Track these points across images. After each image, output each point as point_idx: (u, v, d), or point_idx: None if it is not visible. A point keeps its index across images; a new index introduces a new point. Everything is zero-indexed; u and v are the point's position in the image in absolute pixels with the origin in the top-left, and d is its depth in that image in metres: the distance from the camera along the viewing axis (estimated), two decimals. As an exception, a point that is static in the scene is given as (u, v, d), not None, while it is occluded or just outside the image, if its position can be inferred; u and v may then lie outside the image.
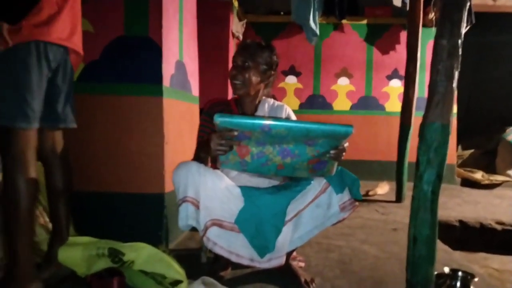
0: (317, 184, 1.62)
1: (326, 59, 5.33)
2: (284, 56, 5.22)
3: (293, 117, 1.81)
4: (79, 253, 1.36)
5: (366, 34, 5.23)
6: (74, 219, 1.92)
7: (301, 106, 5.37)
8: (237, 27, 4.57)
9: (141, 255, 1.38)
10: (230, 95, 4.17)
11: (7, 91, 1.17)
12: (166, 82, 2.08)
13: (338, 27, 5.23)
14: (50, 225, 1.63)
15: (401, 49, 4.74)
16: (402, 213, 3.19)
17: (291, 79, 5.38)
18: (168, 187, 2.06)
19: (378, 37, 5.21)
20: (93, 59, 2.06)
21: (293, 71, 5.36)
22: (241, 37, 4.78)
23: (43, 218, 1.66)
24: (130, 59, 2.05)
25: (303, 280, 1.67)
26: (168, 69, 2.12)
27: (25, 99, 1.22)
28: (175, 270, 1.41)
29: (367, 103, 5.30)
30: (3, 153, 1.24)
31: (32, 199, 1.31)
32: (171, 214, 2.08)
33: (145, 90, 2.04)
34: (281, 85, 5.33)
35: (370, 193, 4.00)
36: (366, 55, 5.27)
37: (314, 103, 5.36)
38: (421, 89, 4.39)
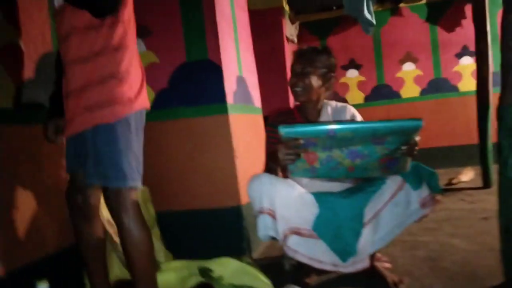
0: (392, 182, 1.58)
1: (387, 47, 5.14)
2: (342, 51, 5.13)
3: (358, 116, 1.79)
4: (173, 277, 1.47)
5: (427, 14, 4.96)
6: (164, 238, 2.07)
7: (367, 99, 5.22)
8: (290, 30, 4.59)
9: (228, 269, 1.45)
10: (291, 99, 4.20)
11: (130, 155, 1.32)
12: (229, 99, 2.17)
13: (396, 12, 5.02)
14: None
15: (468, 24, 4.41)
16: (492, 200, 2.95)
17: (352, 73, 5.26)
18: (244, 199, 2.14)
19: (441, 16, 4.91)
20: (162, 88, 2.22)
21: (353, 64, 5.24)
22: (295, 40, 4.78)
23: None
24: (194, 82, 2.17)
25: (391, 281, 1.63)
26: (230, 87, 2.20)
27: (139, 162, 1.37)
28: (261, 281, 1.47)
29: (438, 86, 5.00)
30: (124, 213, 1.32)
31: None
32: (250, 225, 2.15)
33: (212, 110, 2.15)
34: (342, 80, 5.23)
35: (454, 181, 3.76)
36: (430, 36, 4.99)
37: (380, 94, 5.18)
38: (496, 64, 4.05)
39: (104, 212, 1.70)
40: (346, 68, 5.25)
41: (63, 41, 1.34)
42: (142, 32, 2.22)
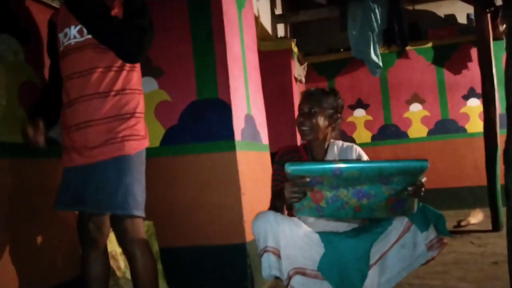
0: (399, 223, 1.57)
1: (394, 87, 5.22)
2: (350, 90, 5.22)
3: (364, 156, 1.80)
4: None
5: (433, 56, 5.07)
6: (166, 274, 2.05)
7: (374, 138, 5.25)
8: (299, 71, 4.71)
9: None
10: (298, 137, 4.24)
11: (142, 186, 1.47)
12: (237, 136, 2.21)
13: (402, 54, 5.14)
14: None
15: (474, 66, 4.49)
16: (501, 244, 2.89)
17: (359, 112, 5.32)
18: (248, 237, 2.12)
19: (447, 58, 5.01)
20: (172, 124, 2.27)
21: (360, 104, 5.31)
22: (303, 80, 4.89)
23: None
24: (204, 120, 2.22)
25: (397, 325, 1.59)
26: (238, 125, 2.25)
27: (145, 193, 1.50)
28: (264, 322, 1.44)
29: (445, 127, 5.02)
30: (137, 242, 1.44)
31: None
32: (254, 263, 2.12)
33: (220, 147, 2.18)
34: (349, 119, 5.28)
35: (462, 223, 3.69)
36: (436, 78, 5.07)
37: (387, 133, 5.21)
38: (503, 106, 4.08)
39: (110, 245, 1.71)
40: (353, 107, 5.33)
41: (81, 75, 1.42)
42: (155, 72, 2.31)
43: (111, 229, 1.58)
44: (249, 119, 2.45)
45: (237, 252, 2.11)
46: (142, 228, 1.45)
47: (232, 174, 2.16)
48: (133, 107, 1.46)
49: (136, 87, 1.49)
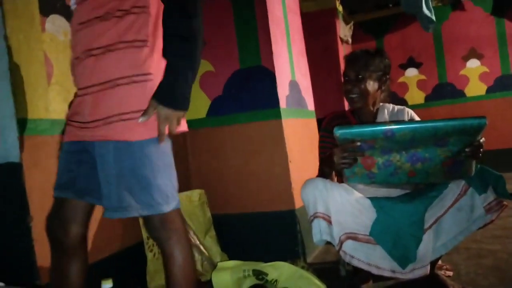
0: (456, 186, 1.51)
1: (448, 43, 4.89)
2: (400, 49, 4.96)
3: (417, 119, 1.72)
4: (228, 277, 1.52)
5: (492, 6, 4.64)
6: (220, 240, 2.13)
7: (427, 98, 5.00)
8: (344, 31, 4.52)
9: (283, 273, 1.47)
10: (345, 101, 4.13)
11: (173, 180, 1.17)
12: (282, 104, 2.19)
13: (457, 6, 4.76)
14: (202, 247, 1.85)
15: (541, 14, 4.08)
16: None
17: (411, 72, 5.06)
18: (298, 203, 2.14)
19: (508, 7, 4.58)
20: (217, 95, 2.29)
21: (412, 62, 5.04)
22: (350, 40, 4.70)
23: (194, 240, 1.88)
24: (248, 89, 2.21)
25: (453, 290, 1.56)
26: (283, 92, 2.22)
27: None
28: (316, 285, 1.47)
29: (506, 84, 4.66)
30: (173, 231, 1.15)
31: None
32: (305, 229, 2.15)
33: (265, 115, 2.18)
34: (400, 80, 5.05)
35: (526, 184, 3.48)
36: (496, 30, 4.67)
37: (442, 92, 4.93)
38: None
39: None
40: (404, 67, 5.06)
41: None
42: (198, 42, 2.31)
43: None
44: (293, 85, 2.41)
45: (287, 218, 2.14)
46: (176, 220, 1.15)
47: (278, 142, 2.16)
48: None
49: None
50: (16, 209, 1.40)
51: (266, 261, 1.59)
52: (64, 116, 1.60)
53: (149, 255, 1.77)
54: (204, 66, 2.31)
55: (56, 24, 1.62)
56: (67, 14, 1.67)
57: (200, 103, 2.32)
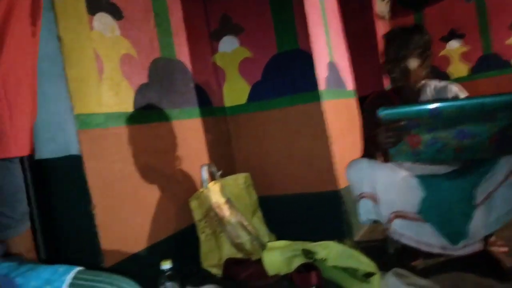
0: (506, 162, 1.46)
1: (493, 11, 4.61)
2: (440, 21, 4.74)
3: (463, 94, 1.68)
4: (278, 256, 1.57)
5: (542, -33, 4.33)
6: (266, 221, 2.19)
7: (472, 70, 4.77)
8: (380, 7, 4.38)
9: (332, 252, 1.50)
10: (385, 80, 4.03)
11: None
12: (321, 86, 2.19)
13: (503, -30, 4.48)
14: (250, 227, 1.91)
15: None
16: None
17: (453, 44, 4.83)
18: (342, 183, 2.15)
19: (560, -33, 4.26)
20: (256, 81, 2.31)
21: (454, 34, 4.81)
22: (387, 16, 4.55)
23: (243, 221, 1.95)
24: (287, 73, 2.22)
25: (507, 266, 1.53)
26: (321, 73, 2.22)
27: None
28: (366, 263, 1.49)
29: (559, 50, 4.37)
30: None
31: None
32: (350, 208, 2.16)
33: (305, 98, 2.18)
34: (442, 53, 4.84)
35: None
36: (547, -7, 4.36)
37: (487, 64, 4.69)
38: None
39: (214, 196, 1.87)
40: (446, 39, 4.85)
41: None
42: (235, 30, 2.34)
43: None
44: (332, 66, 2.40)
45: (331, 198, 2.16)
46: None
47: (319, 124, 2.16)
48: None
49: None
50: (79, 198, 1.51)
51: (312, 241, 1.63)
52: (116, 109, 1.69)
53: (202, 236, 1.87)
54: (242, 53, 2.34)
55: (103, 21, 1.70)
56: (112, 11, 1.75)
57: (240, 89, 2.36)
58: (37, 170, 1.56)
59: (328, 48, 2.41)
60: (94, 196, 1.50)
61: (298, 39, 2.19)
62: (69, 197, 1.53)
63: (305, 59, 2.18)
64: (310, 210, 2.21)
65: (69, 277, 0.80)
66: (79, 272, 0.83)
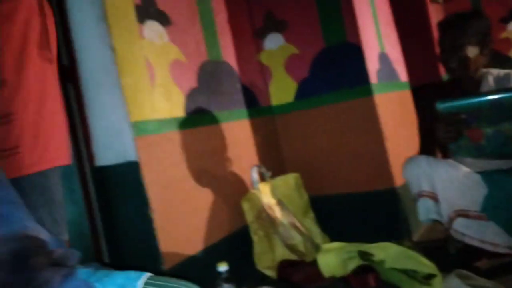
0: None
1: (561, -16, 4.22)
2: (499, 1, 4.41)
3: (530, 81, 1.55)
4: (334, 258, 1.54)
5: None
6: (319, 221, 2.16)
7: (537, 51, 4.40)
8: (433, -10, 4.15)
9: (389, 254, 1.45)
10: (441, 69, 3.82)
11: None
12: (373, 79, 2.11)
13: None
14: (302, 228, 1.90)
15: None
16: None
17: (515, 24, 4.49)
18: (398, 181, 2.07)
19: None
20: (304, 77, 2.28)
21: (515, 13, 4.46)
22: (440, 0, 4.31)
23: (295, 222, 1.94)
24: (335, 68, 2.17)
25: None
26: (372, 66, 2.14)
27: None
28: (426, 265, 1.43)
29: None
30: None
31: None
32: (407, 207, 2.08)
33: (355, 93, 2.12)
34: (503, 35, 4.50)
35: None
36: None
37: (555, 43, 4.31)
38: None
39: (265, 198, 1.87)
40: (506, 20, 4.50)
41: None
42: (280, 26, 2.32)
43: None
44: (383, 57, 2.31)
45: (387, 197, 2.08)
46: None
47: (372, 119, 2.09)
48: None
49: None
50: (138, 202, 1.57)
51: (368, 242, 1.58)
52: (168, 115, 1.73)
53: (255, 238, 1.88)
54: (288, 49, 2.31)
55: (152, 29, 1.75)
56: (160, 18, 1.80)
57: (287, 87, 2.33)
58: (98, 177, 1.64)
59: (378, 38, 2.32)
60: (152, 200, 1.55)
61: (346, 31, 2.13)
62: (129, 201, 1.59)
63: (354, 52, 2.11)
64: (364, 209, 2.15)
65: (140, 283, 0.84)
66: (149, 278, 0.86)
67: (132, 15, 1.68)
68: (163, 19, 1.81)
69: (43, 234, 0.75)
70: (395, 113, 2.28)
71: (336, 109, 2.19)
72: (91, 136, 1.66)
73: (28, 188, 1.13)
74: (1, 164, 1.06)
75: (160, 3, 1.82)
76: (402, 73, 2.52)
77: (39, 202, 1.15)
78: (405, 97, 2.47)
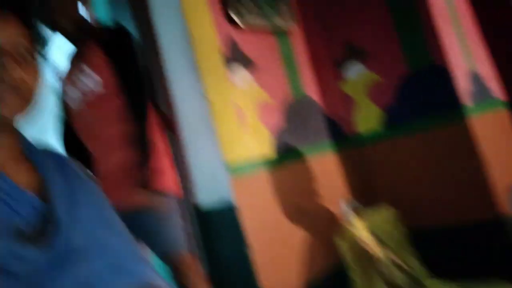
0: None
1: None
2: None
3: None
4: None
5: None
6: (421, 256, 2.00)
7: None
8: (520, -6, 3.84)
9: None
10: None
11: None
12: (465, 100, 1.99)
13: None
14: (403, 264, 1.80)
15: None
16: None
17: None
18: (508, 210, 1.89)
19: None
20: (389, 105, 2.20)
21: None
22: (530, 3, 3.96)
23: (394, 259, 1.85)
24: (422, 93, 2.08)
25: None
26: (462, 86, 2.02)
27: None
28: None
29: None
30: None
31: None
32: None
33: (447, 117, 2.01)
34: None
35: None
36: None
37: None
38: None
39: (359, 232, 1.82)
40: None
41: None
42: (360, 54, 2.29)
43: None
44: (473, 76, 2.17)
45: (494, 228, 1.90)
46: None
47: (467, 144, 1.95)
48: None
49: None
50: (236, 241, 1.62)
51: (479, 281, 1.45)
52: (259, 155, 1.79)
53: (353, 276, 1.79)
54: (370, 77, 2.27)
55: (239, 74, 1.85)
56: (245, 62, 1.89)
57: (372, 115, 2.27)
58: (198, 216, 1.73)
59: (466, 56, 2.19)
60: (250, 239, 1.60)
61: (430, 53, 2.04)
62: (227, 241, 1.66)
63: (441, 74, 2.01)
64: (468, 242, 1.97)
65: None
66: None
67: (220, 61, 1.78)
68: (248, 63, 1.91)
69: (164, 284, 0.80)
70: (495, 135, 2.11)
71: (426, 137, 2.08)
72: (189, 177, 1.77)
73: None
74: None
75: (244, 47, 1.91)
76: (497, 90, 2.33)
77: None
78: (503, 116, 2.28)
